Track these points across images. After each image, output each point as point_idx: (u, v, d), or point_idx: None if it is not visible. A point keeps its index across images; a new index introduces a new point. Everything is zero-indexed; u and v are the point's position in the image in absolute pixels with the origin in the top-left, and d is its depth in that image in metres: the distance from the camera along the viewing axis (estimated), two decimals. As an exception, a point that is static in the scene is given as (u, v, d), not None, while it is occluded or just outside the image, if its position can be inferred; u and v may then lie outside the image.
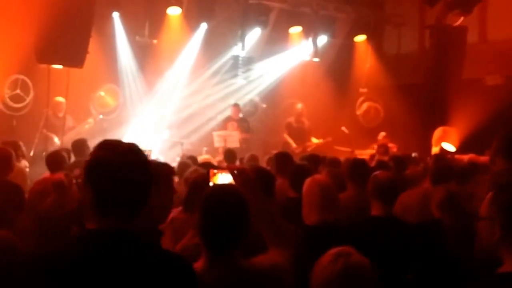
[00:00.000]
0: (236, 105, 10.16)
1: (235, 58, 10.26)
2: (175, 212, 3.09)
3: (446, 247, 3.23)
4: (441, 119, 9.88)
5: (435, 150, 9.29)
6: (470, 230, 3.34)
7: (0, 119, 8.45)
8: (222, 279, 1.92)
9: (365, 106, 11.40)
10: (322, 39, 10.98)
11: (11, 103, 8.46)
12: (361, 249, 2.99)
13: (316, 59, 10.94)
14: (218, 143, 9.57)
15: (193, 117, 10.50)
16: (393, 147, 9.25)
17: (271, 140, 10.95)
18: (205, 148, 9.73)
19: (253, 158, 6.25)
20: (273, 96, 11.52)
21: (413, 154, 8.16)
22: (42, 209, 3.95)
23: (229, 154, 6.80)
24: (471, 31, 9.96)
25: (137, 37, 9.75)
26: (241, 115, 10.14)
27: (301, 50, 11.10)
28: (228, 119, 9.96)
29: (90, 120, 9.29)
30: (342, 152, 9.18)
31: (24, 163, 6.32)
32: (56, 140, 8.43)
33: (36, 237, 3.54)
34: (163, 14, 9.77)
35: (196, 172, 3.66)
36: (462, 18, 9.71)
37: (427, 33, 10.57)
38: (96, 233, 1.54)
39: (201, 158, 7.11)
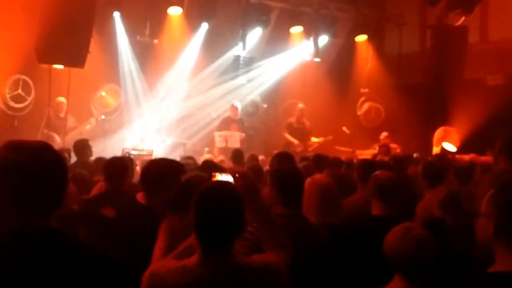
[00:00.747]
0: (234, 105, 10.18)
1: (236, 58, 10.26)
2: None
3: (448, 247, 3.23)
4: (442, 119, 9.88)
5: (436, 150, 9.29)
6: (471, 230, 3.34)
7: (2, 119, 8.47)
8: (214, 275, 1.91)
9: (366, 106, 11.40)
10: (323, 39, 10.98)
11: (12, 103, 8.48)
12: (362, 248, 3.00)
13: (317, 59, 10.95)
14: (219, 143, 9.58)
15: (194, 117, 10.51)
16: (396, 148, 9.24)
17: (272, 140, 10.96)
18: (206, 149, 9.74)
19: (253, 158, 6.25)
20: (274, 96, 11.53)
21: (415, 155, 8.15)
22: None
23: (236, 154, 6.68)
24: (472, 31, 9.95)
25: (138, 37, 9.77)
26: (239, 116, 10.15)
27: (302, 50, 11.10)
28: (228, 120, 9.97)
29: (92, 120, 9.30)
30: (343, 152, 9.18)
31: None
32: (58, 139, 8.44)
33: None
34: (164, 14, 9.78)
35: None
36: (463, 18, 9.70)
37: (428, 33, 10.57)
38: (9, 234, 1.53)
39: (203, 158, 7.11)
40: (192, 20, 10.14)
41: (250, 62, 10.37)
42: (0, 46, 7.71)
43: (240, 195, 2.00)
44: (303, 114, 10.45)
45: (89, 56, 7.87)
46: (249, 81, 10.71)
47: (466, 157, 6.87)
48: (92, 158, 6.22)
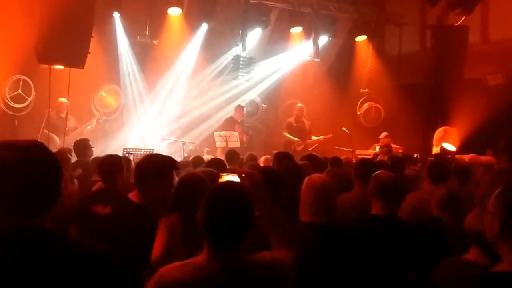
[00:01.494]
0: (240, 107, 10.16)
1: (236, 58, 10.25)
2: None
3: (447, 246, 3.23)
4: (442, 119, 9.88)
5: (436, 150, 9.29)
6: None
7: (2, 119, 8.48)
8: (223, 272, 1.93)
9: (366, 106, 11.40)
10: (323, 39, 10.98)
11: (12, 103, 8.49)
12: (361, 247, 3.00)
13: (317, 59, 10.94)
14: (219, 143, 9.59)
15: (194, 117, 10.51)
16: (398, 148, 9.24)
17: (272, 140, 10.96)
18: (206, 149, 9.74)
19: (252, 157, 6.24)
20: (273, 96, 11.53)
21: (415, 155, 8.15)
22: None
23: (230, 155, 6.59)
24: (472, 31, 9.95)
25: (138, 38, 9.78)
26: (241, 119, 10.15)
27: (302, 50, 11.10)
28: (231, 121, 9.96)
29: (93, 121, 9.30)
30: (343, 152, 9.18)
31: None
32: (58, 141, 8.44)
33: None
34: (164, 14, 9.79)
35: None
36: (463, 18, 9.70)
37: (428, 33, 10.56)
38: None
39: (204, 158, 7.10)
40: (191, 20, 10.14)
41: (250, 62, 10.35)
42: (0, 46, 7.72)
43: (249, 194, 2.03)
44: (302, 114, 10.46)
45: (89, 56, 7.86)
46: (248, 81, 10.71)
47: (466, 157, 6.87)
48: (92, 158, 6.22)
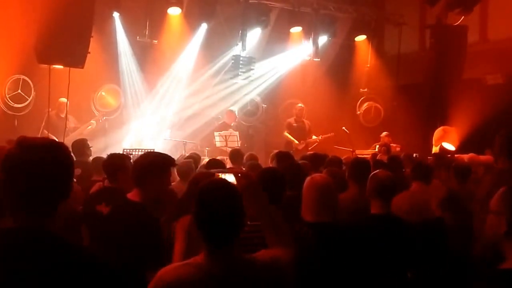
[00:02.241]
0: (231, 111, 10.16)
1: (236, 58, 10.26)
2: None
3: (447, 245, 3.24)
4: (442, 118, 9.90)
5: (435, 149, 9.31)
6: (470, 228, 3.36)
7: (2, 119, 8.48)
8: (222, 270, 1.94)
9: (365, 106, 11.41)
10: (323, 39, 10.98)
11: (12, 103, 8.49)
12: (362, 247, 3.01)
13: (317, 59, 10.94)
14: (219, 143, 9.60)
15: (194, 117, 10.51)
16: (396, 147, 9.26)
17: (272, 140, 10.96)
18: (207, 149, 9.74)
19: (252, 157, 6.24)
20: (273, 96, 11.53)
21: (414, 155, 8.16)
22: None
23: (235, 154, 6.59)
24: (471, 31, 9.96)
25: (137, 37, 9.77)
26: (233, 123, 10.14)
27: (302, 50, 11.10)
28: (223, 126, 10.00)
29: (93, 121, 9.30)
30: (343, 151, 9.19)
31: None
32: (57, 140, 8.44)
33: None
34: (164, 14, 9.79)
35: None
36: (462, 18, 9.71)
37: (428, 32, 10.58)
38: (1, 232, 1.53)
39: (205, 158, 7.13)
40: (191, 20, 10.14)
41: (249, 62, 10.36)
42: (0, 46, 7.72)
43: (237, 190, 2.03)
44: (302, 113, 10.46)
45: (89, 56, 7.86)
46: (249, 81, 10.72)
47: (465, 157, 6.88)
48: (91, 158, 6.22)
